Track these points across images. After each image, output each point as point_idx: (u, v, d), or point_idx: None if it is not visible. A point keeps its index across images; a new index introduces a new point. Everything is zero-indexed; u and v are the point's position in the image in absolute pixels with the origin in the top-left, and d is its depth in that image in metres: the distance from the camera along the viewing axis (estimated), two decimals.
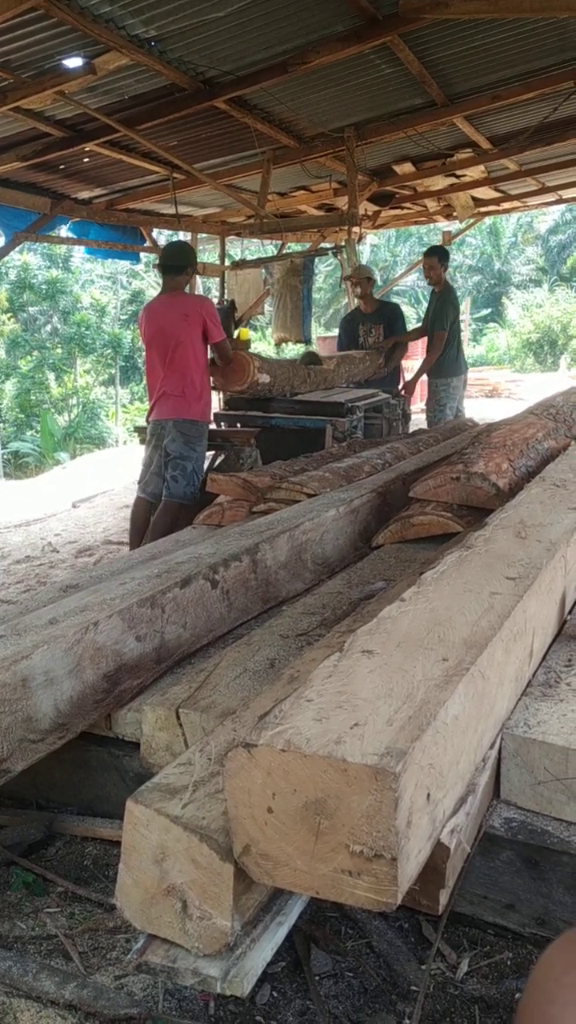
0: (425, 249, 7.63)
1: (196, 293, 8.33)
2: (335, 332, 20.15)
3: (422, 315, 7.69)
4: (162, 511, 4.92)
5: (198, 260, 8.98)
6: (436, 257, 7.07)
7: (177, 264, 4.98)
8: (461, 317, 8.19)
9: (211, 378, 5.23)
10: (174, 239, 10.33)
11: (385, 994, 1.57)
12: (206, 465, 5.85)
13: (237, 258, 9.77)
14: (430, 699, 1.30)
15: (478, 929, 1.69)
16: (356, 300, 7.72)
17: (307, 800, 1.16)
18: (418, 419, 8.47)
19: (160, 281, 5.35)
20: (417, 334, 7.62)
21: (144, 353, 5.25)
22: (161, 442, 4.98)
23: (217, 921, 1.27)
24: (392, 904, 1.14)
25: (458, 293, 8.36)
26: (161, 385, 4.94)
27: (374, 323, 7.33)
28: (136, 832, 1.34)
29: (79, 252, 15.81)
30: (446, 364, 7.01)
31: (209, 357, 5.07)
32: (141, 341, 5.16)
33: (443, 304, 6.99)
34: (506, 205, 9.63)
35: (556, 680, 1.91)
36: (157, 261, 5.25)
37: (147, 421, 5.19)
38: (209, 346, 4.97)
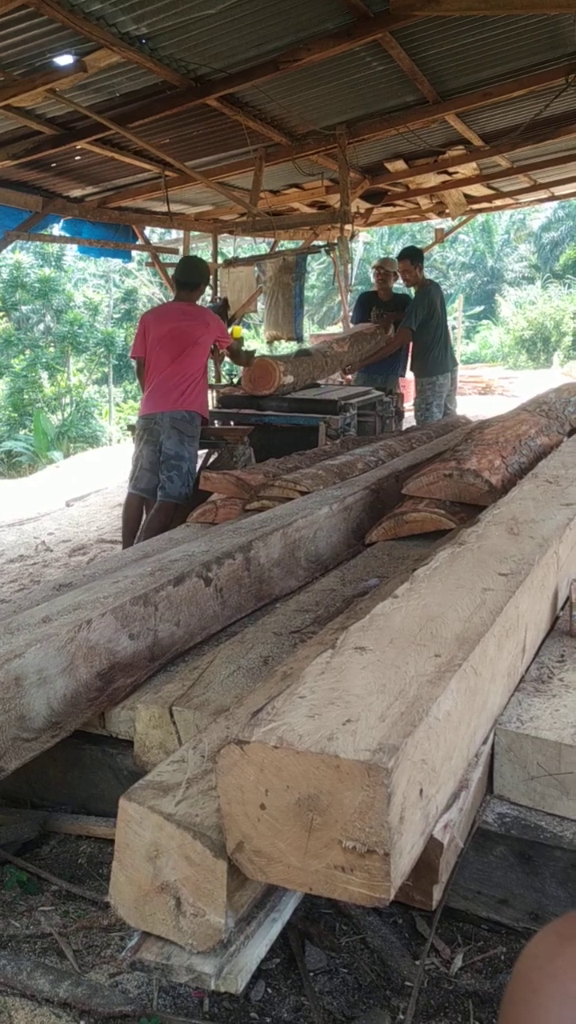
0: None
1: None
2: (328, 330, 20.12)
3: None
4: (157, 510, 4.93)
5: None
6: (408, 260, 7.11)
7: (193, 281, 5.24)
8: (453, 315, 8.27)
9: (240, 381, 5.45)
10: (167, 236, 10.29)
11: (379, 989, 1.57)
12: (199, 464, 5.86)
13: (230, 256, 9.76)
14: (423, 695, 1.30)
15: (472, 924, 1.70)
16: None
17: (300, 796, 1.16)
18: (411, 417, 8.51)
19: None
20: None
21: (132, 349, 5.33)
22: (154, 437, 4.98)
23: (211, 918, 1.27)
24: (385, 899, 1.14)
25: (451, 291, 8.46)
26: (163, 380, 4.97)
27: (388, 310, 7.56)
28: (129, 830, 1.34)
29: (71, 250, 15.77)
30: (430, 362, 7.04)
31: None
32: (140, 337, 5.16)
33: (415, 303, 7.02)
34: (498, 202, 9.62)
35: (549, 676, 1.92)
36: (174, 275, 5.56)
37: (140, 416, 5.20)
38: (225, 350, 5.40)
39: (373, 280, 8.08)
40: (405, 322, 6.96)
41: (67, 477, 9.92)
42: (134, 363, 5.44)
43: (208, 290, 9.54)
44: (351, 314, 8.52)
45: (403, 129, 6.18)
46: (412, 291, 7.35)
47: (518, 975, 0.57)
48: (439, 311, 7.04)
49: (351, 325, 8.18)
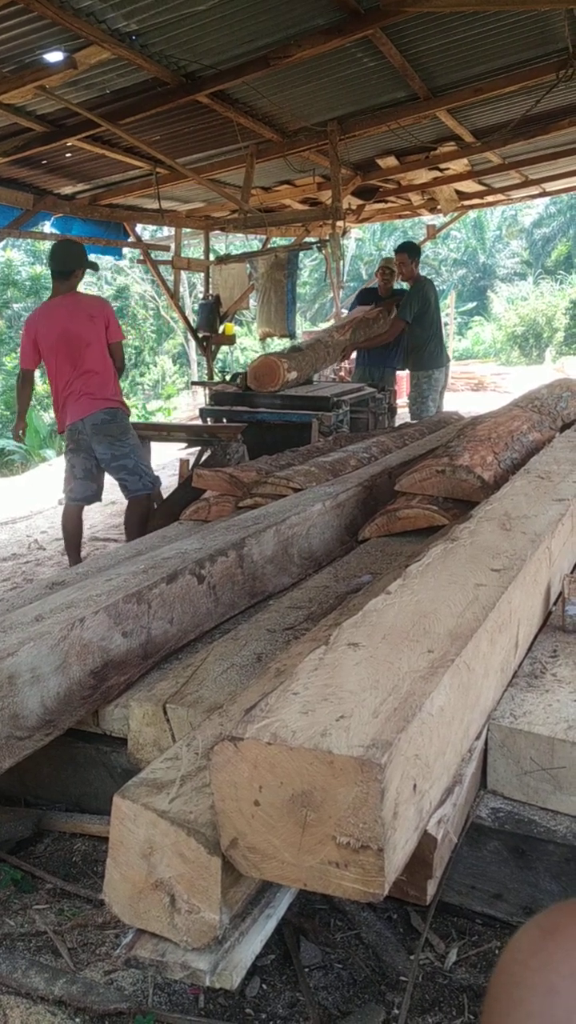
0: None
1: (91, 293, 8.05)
2: (321, 326, 20.08)
3: None
4: (131, 507, 4.87)
5: (182, 255, 8.98)
6: (406, 253, 7.20)
7: (68, 268, 4.76)
8: (445, 311, 8.35)
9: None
10: (158, 233, 10.22)
11: (374, 984, 1.57)
12: (192, 461, 5.85)
13: (221, 253, 9.75)
14: (415, 691, 1.30)
15: (466, 919, 1.70)
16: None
17: (294, 792, 1.16)
18: (403, 413, 8.55)
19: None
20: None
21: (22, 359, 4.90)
22: (82, 447, 4.77)
23: (205, 915, 1.27)
24: (379, 895, 1.15)
25: (443, 287, 8.54)
26: (68, 387, 4.70)
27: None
28: (123, 827, 1.34)
29: None
30: (426, 357, 7.11)
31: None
32: (30, 345, 4.74)
33: (409, 296, 7.10)
34: (490, 198, 9.64)
35: (542, 671, 1.92)
36: (48, 265, 4.95)
37: (60, 430, 4.94)
38: (108, 346, 4.78)
39: (376, 279, 8.15)
40: (400, 314, 7.03)
41: (60, 475, 9.87)
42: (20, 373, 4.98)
43: (200, 288, 9.51)
44: (349, 306, 8.63)
45: (394, 125, 6.19)
46: (405, 285, 7.40)
47: (501, 969, 0.57)
48: (433, 306, 7.11)
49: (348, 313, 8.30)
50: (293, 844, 1.18)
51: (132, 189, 7.32)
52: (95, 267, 5.00)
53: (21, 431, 5.18)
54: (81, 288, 4.90)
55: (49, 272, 4.91)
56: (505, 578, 1.80)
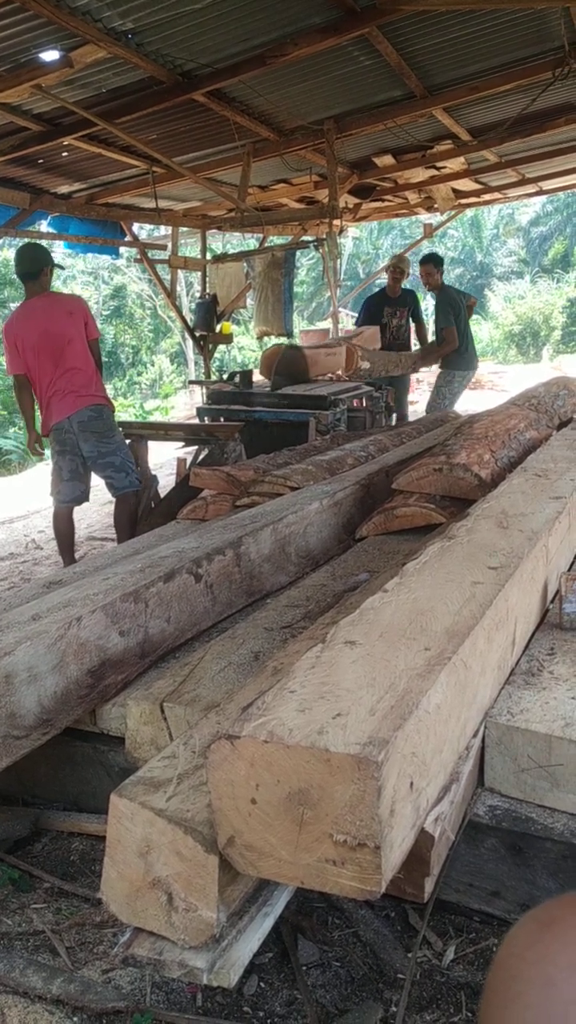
0: (419, 258, 7.87)
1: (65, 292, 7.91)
2: (319, 326, 20.10)
3: (429, 313, 8.14)
4: (119, 505, 4.86)
5: (179, 254, 8.97)
6: (431, 263, 7.38)
7: (34, 270, 4.73)
8: None
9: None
10: (155, 232, 10.23)
11: (372, 982, 1.58)
12: (190, 460, 5.85)
13: (218, 252, 9.74)
14: (412, 688, 1.30)
15: (464, 916, 1.70)
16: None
17: (290, 790, 1.16)
18: (412, 410, 8.65)
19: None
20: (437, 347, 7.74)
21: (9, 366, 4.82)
22: (68, 447, 4.72)
23: (202, 913, 1.27)
24: (376, 892, 1.15)
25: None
26: (52, 386, 4.64)
27: (399, 307, 8.00)
28: (121, 826, 1.34)
29: (59, 247, 15.71)
30: (454, 357, 7.25)
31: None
32: (14, 350, 4.67)
33: (442, 304, 7.27)
34: (487, 197, 9.64)
35: (539, 668, 1.92)
36: (16, 271, 4.93)
37: (44, 432, 4.83)
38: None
39: (387, 278, 8.28)
40: (444, 323, 7.21)
41: None
42: (11, 379, 4.90)
43: (197, 287, 9.50)
44: (357, 317, 8.83)
45: (391, 124, 6.19)
46: (427, 294, 7.59)
47: (499, 963, 0.57)
48: (462, 309, 7.32)
49: (355, 327, 8.45)
50: (290, 842, 1.18)
51: (129, 188, 7.30)
52: (60, 267, 5.00)
53: (37, 443, 5.00)
54: (79, 288, 4.91)
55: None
56: (502, 576, 1.80)
